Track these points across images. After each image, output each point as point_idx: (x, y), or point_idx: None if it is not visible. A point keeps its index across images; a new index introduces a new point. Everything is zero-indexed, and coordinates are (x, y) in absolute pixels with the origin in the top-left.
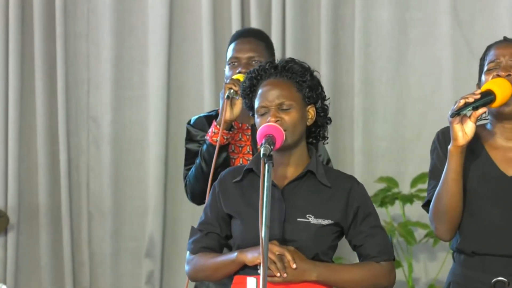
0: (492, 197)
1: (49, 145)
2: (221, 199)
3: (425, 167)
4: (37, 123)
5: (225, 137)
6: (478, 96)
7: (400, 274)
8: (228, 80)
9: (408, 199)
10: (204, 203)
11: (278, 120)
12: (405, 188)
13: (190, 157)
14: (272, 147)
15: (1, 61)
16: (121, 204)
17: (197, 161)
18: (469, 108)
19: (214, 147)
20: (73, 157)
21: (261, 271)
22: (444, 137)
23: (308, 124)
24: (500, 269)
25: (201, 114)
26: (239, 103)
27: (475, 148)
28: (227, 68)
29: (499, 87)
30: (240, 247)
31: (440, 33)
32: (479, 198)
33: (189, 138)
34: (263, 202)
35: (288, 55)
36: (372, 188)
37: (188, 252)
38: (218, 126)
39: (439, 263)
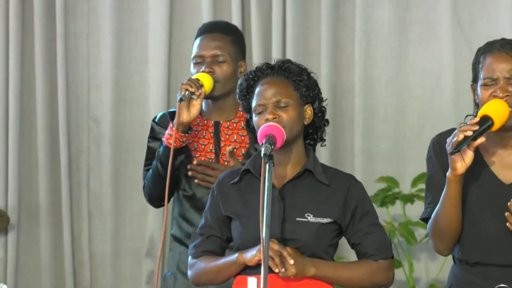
0: (492, 206)
1: (49, 144)
2: (220, 202)
3: (426, 167)
4: (37, 122)
5: (181, 140)
6: (477, 127)
7: (400, 274)
8: (185, 80)
9: (408, 199)
10: (162, 206)
11: (275, 118)
12: (405, 188)
13: (151, 156)
14: (272, 146)
15: (2, 60)
16: (121, 204)
17: (154, 163)
18: (468, 141)
19: (169, 150)
20: (74, 157)
21: (261, 269)
22: (440, 145)
23: (306, 123)
24: (502, 277)
25: (167, 110)
26: (197, 104)
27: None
28: (192, 66)
29: (496, 112)
30: (240, 249)
31: (440, 33)
32: (479, 209)
33: (152, 136)
34: (263, 202)
35: (288, 54)
36: (372, 188)
37: (190, 257)
38: (174, 129)
39: (440, 263)
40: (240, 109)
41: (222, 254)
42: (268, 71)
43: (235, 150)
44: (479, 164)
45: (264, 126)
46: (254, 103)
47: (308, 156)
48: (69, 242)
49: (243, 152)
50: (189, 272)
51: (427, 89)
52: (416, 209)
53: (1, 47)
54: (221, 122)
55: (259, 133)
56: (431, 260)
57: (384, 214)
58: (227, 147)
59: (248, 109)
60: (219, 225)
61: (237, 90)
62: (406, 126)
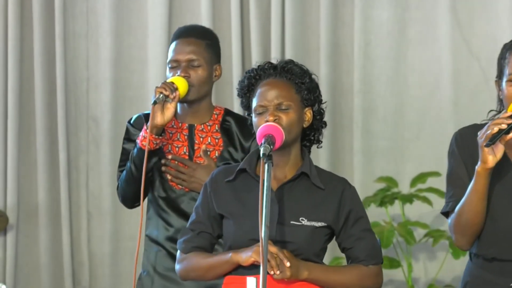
0: None
1: (48, 144)
2: (213, 199)
3: (425, 167)
4: (36, 122)
5: (155, 142)
6: (511, 121)
7: (399, 274)
8: (160, 83)
9: (407, 199)
10: (135, 207)
11: (276, 119)
12: (404, 188)
13: (125, 157)
14: (271, 146)
15: (1, 60)
16: (120, 204)
17: (128, 164)
18: (502, 134)
19: (143, 152)
20: (73, 157)
21: (260, 270)
22: (462, 139)
23: (304, 126)
24: None
25: (143, 112)
26: (171, 107)
27: None
28: (167, 70)
29: None
30: (232, 248)
31: (439, 33)
32: (499, 203)
33: (127, 137)
34: (263, 202)
35: (288, 55)
36: (371, 188)
37: (179, 252)
38: (148, 131)
39: (438, 263)
40: (214, 112)
41: (211, 250)
42: (270, 71)
43: (209, 151)
44: (501, 158)
45: (263, 126)
46: (255, 103)
47: (304, 158)
48: (68, 242)
49: (216, 154)
50: (177, 266)
51: (426, 89)
52: (415, 209)
53: (0, 47)
54: (196, 125)
55: (258, 133)
56: (430, 260)
57: (383, 214)
58: (202, 146)
59: (247, 107)
60: (211, 222)
61: (238, 87)
62: (405, 126)
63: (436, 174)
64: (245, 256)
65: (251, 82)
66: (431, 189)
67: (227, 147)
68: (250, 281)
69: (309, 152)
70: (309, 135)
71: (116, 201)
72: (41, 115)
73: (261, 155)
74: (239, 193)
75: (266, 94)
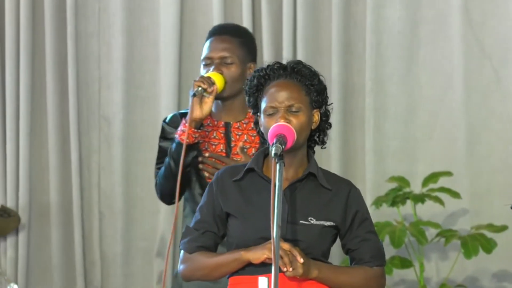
0: None
1: (60, 144)
2: (220, 198)
3: (437, 167)
4: (48, 122)
5: (194, 136)
6: None
7: (411, 273)
8: (197, 78)
9: (419, 198)
10: (173, 203)
11: (287, 122)
12: (416, 188)
13: (162, 155)
14: (283, 146)
15: (13, 60)
16: (132, 204)
17: (166, 159)
18: None
19: (182, 146)
20: (84, 157)
21: (272, 268)
22: None
23: (312, 128)
24: None
25: (177, 112)
26: (209, 101)
27: None
28: (201, 67)
29: None
30: (239, 247)
31: (451, 32)
32: None
33: (163, 136)
34: (274, 202)
35: (299, 54)
36: (383, 187)
37: (182, 252)
38: (187, 124)
39: (450, 263)
40: (249, 110)
41: (215, 250)
42: (280, 71)
43: (246, 149)
44: None
45: (275, 126)
46: (264, 104)
47: (309, 159)
48: (80, 242)
49: (253, 152)
50: (181, 267)
51: (438, 89)
52: (427, 209)
53: (12, 47)
54: (232, 123)
55: (270, 133)
56: (442, 259)
57: (395, 214)
58: (239, 144)
59: (254, 106)
60: (216, 221)
61: (246, 86)
62: (416, 126)
63: (447, 173)
64: (258, 253)
65: (260, 81)
66: (442, 189)
67: (264, 144)
68: (262, 280)
69: (313, 152)
70: (314, 136)
71: (128, 200)
72: (53, 115)
73: (272, 154)
74: (247, 192)
75: (277, 95)
